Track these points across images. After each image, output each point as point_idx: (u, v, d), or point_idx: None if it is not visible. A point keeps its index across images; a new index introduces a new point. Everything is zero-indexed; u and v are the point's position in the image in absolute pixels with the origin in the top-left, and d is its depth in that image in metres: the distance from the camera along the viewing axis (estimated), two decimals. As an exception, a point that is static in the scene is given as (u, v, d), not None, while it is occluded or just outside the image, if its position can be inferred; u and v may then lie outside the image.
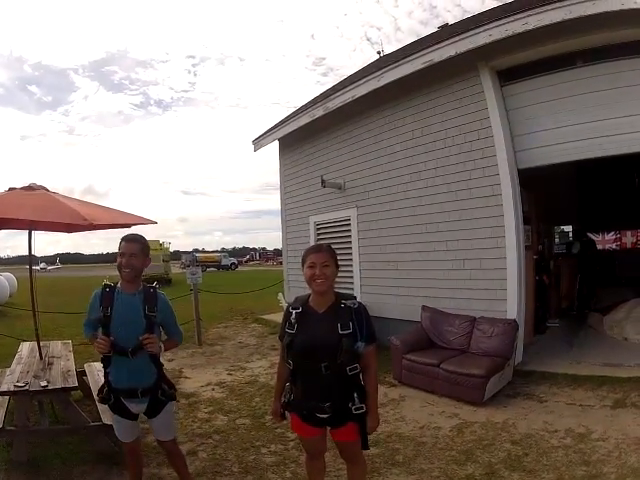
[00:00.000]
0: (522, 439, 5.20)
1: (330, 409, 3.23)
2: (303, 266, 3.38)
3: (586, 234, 16.51)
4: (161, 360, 3.92)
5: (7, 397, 5.37)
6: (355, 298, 3.41)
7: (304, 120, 11.42)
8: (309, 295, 3.45)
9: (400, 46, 14.29)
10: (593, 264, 12.86)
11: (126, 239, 3.78)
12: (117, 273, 3.82)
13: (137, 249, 3.76)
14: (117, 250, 3.77)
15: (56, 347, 6.82)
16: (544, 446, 4.99)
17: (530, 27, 6.78)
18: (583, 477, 4.30)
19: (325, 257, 3.32)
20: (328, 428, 3.43)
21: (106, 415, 4.95)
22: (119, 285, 3.80)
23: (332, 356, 3.16)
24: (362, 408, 3.26)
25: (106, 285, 3.79)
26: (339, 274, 9.43)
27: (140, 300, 3.74)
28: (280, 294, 12.56)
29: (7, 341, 10.29)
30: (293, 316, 3.37)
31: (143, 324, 3.66)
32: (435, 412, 6.26)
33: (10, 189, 5.66)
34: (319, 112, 10.82)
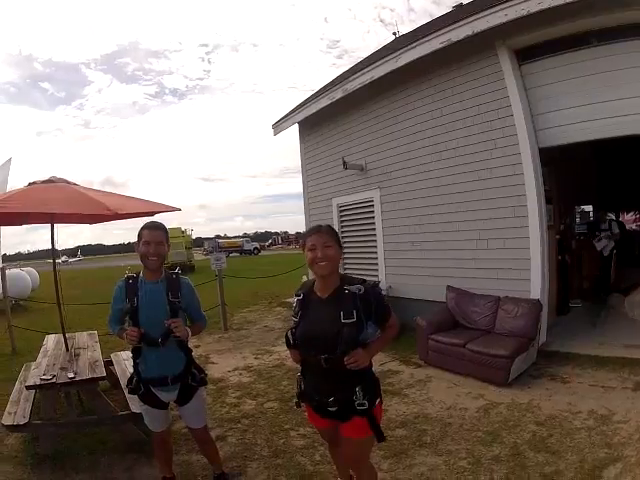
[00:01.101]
0: (546, 420, 5.23)
1: (335, 403, 3.10)
2: (304, 249, 3.22)
3: (618, 214, 16.41)
4: (191, 347, 3.94)
5: (33, 390, 5.41)
6: (364, 282, 3.14)
7: (323, 103, 11.41)
8: (315, 279, 3.29)
9: (414, 26, 14.26)
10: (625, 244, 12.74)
11: (149, 227, 3.77)
12: (135, 262, 3.82)
13: (162, 237, 3.77)
14: (138, 239, 3.76)
15: (82, 338, 6.87)
16: (568, 427, 5.02)
17: (545, 6, 6.69)
18: (605, 459, 4.32)
19: (326, 237, 3.14)
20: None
21: (134, 404, 4.97)
22: (141, 274, 3.81)
23: (333, 346, 2.99)
24: (365, 405, 3.05)
25: (129, 277, 3.80)
26: (365, 255, 9.42)
27: (163, 287, 3.76)
28: (304, 277, 12.36)
29: (30, 335, 10.46)
30: (295, 303, 3.28)
31: (167, 311, 3.67)
32: (461, 393, 6.29)
33: (30, 184, 5.69)
34: (338, 94, 10.80)
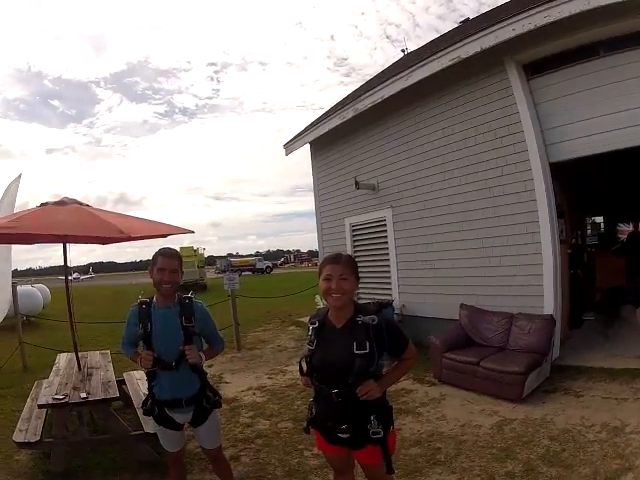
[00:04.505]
0: (560, 435, 5.22)
1: (348, 430, 3.04)
2: (319, 277, 3.12)
3: (638, 224, 16.36)
4: (204, 368, 3.93)
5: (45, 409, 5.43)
6: (379, 311, 3.08)
7: (335, 122, 11.46)
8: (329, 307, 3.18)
9: (420, 42, 14.39)
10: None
11: (165, 255, 3.77)
12: (147, 281, 3.83)
13: (177, 265, 3.78)
14: (152, 264, 3.76)
15: (94, 357, 6.89)
16: (581, 441, 5.01)
17: (551, 19, 6.74)
18: (617, 470, 4.33)
19: (343, 269, 3.02)
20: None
21: (148, 424, 4.99)
22: (155, 300, 3.81)
23: (345, 377, 2.92)
24: (380, 433, 2.98)
25: (142, 302, 3.81)
26: (378, 274, 9.36)
27: (177, 312, 3.74)
28: (317, 296, 12.28)
29: (41, 352, 10.51)
30: (310, 332, 3.18)
31: (181, 336, 3.67)
32: (475, 410, 6.27)
33: (42, 204, 5.70)
34: (349, 114, 10.87)
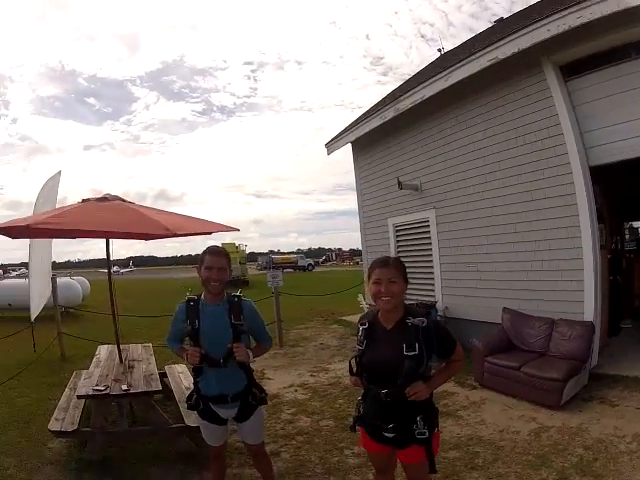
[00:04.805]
0: (593, 444, 5.21)
1: (394, 430, 3.08)
2: (369, 280, 3.18)
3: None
4: (250, 366, 3.96)
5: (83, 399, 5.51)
6: (429, 314, 3.13)
7: (375, 122, 11.48)
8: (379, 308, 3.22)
9: (455, 41, 14.38)
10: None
11: (213, 252, 3.79)
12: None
13: (225, 263, 3.80)
14: (200, 262, 3.79)
15: (136, 350, 6.97)
16: (612, 451, 5.01)
17: (584, 20, 6.68)
18: (643, 482, 4.34)
19: (392, 273, 3.07)
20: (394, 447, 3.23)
21: (189, 417, 5.08)
22: (203, 297, 3.85)
23: (394, 378, 2.99)
24: (425, 434, 3.03)
25: (189, 299, 3.86)
26: (421, 276, 9.33)
27: (225, 310, 3.77)
28: (360, 295, 12.43)
29: (80, 343, 10.72)
30: (360, 332, 3.24)
31: (230, 334, 3.70)
32: (514, 416, 6.25)
33: (84, 200, 5.70)
34: (390, 114, 10.86)
